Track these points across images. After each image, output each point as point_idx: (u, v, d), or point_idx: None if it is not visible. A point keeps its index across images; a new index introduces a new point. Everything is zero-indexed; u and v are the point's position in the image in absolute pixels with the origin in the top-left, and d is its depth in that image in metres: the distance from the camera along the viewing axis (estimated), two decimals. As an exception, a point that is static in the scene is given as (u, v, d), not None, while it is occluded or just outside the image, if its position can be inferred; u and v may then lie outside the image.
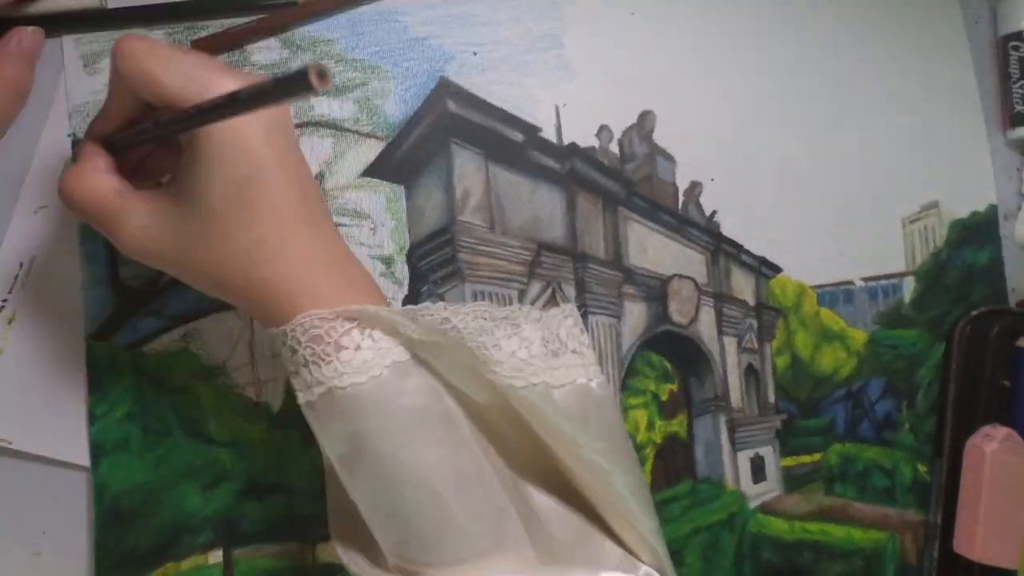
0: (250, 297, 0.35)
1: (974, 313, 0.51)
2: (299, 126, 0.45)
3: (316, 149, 0.45)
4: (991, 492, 0.47)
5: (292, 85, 0.24)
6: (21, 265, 0.42)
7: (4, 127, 0.41)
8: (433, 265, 0.46)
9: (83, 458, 0.42)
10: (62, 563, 0.42)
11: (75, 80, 0.43)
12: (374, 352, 0.33)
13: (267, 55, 0.45)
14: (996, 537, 0.47)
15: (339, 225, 0.45)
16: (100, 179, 0.35)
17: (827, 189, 0.52)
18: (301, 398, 0.34)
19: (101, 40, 0.43)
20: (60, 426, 0.42)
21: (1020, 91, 0.52)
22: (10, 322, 0.42)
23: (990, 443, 0.48)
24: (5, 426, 0.42)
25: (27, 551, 0.42)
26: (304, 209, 0.35)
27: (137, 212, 0.35)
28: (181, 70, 0.33)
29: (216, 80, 0.33)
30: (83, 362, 0.42)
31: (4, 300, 0.42)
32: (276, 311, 0.34)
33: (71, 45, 0.43)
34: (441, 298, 0.46)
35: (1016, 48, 0.52)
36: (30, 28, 0.41)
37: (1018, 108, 0.53)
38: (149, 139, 0.36)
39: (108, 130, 0.37)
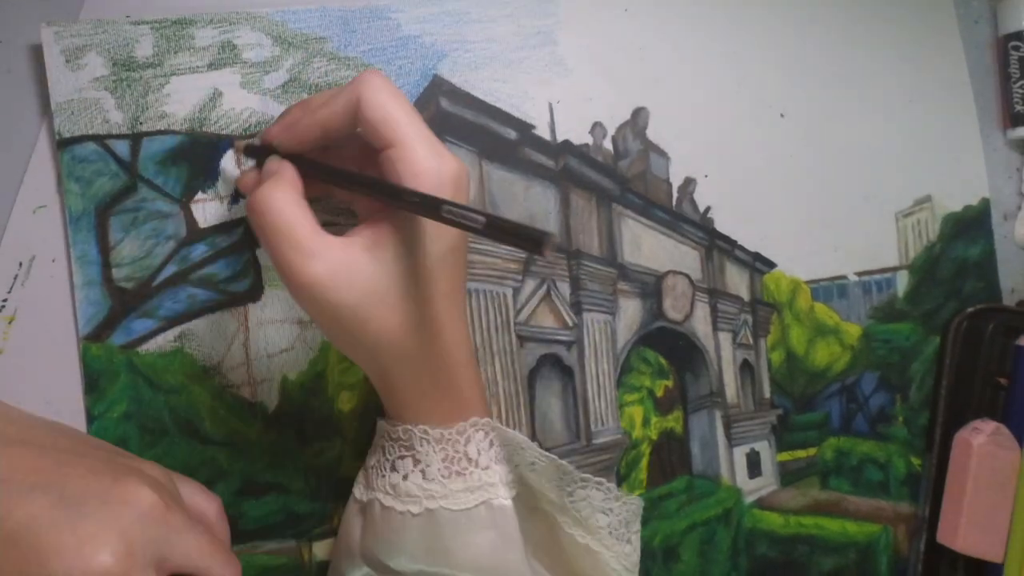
0: (421, 371, 0.35)
1: (970, 310, 0.52)
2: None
3: (309, 148, 0.45)
4: (976, 484, 0.48)
5: (525, 238, 0.27)
6: (20, 265, 0.42)
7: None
8: (428, 263, 0.46)
9: None
10: None
11: (57, 76, 0.41)
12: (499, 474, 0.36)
13: (258, 52, 0.44)
14: (980, 529, 0.48)
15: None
16: (298, 208, 0.33)
17: (821, 184, 0.52)
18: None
19: (84, 34, 0.42)
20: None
21: (1020, 91, 0.53)
22: (10, 322, 0.41)
23: (978, 436, 0.48)
24: None
25: None
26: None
27: (330, 256, 0.33)
28: (427, 137, 0.33)
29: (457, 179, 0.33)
30: (79, 370, 0.42)
31: (4, 300, 0.41)
32: (445, 403, 0.35)
33: (50, 37, 0.41)
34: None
35: (1016, 48, 0.52)
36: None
37: (1018, 108, 0.53)
38: (348, 185, 0.35)
39: (302, 147, 0.36)
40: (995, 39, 0.54)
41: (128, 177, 0.42)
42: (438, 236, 0.34)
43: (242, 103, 0.44)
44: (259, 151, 0.40)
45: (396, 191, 0.33)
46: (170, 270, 0.43)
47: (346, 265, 0.33)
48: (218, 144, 0.43)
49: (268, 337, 0.44)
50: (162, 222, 0.43)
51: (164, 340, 0.43)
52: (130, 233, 0.42)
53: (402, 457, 0.36)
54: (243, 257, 0.44)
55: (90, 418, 0.41)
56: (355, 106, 0.34)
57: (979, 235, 0.54)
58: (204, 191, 0.43)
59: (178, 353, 0.43)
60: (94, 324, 0.42)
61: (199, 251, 0.43)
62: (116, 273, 0.42)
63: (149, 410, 0.42)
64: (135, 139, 0.42)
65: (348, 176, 0.35)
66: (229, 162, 0.43)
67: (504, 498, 0.35)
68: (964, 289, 0.53)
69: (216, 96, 0.43)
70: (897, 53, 0.53)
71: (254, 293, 0.44)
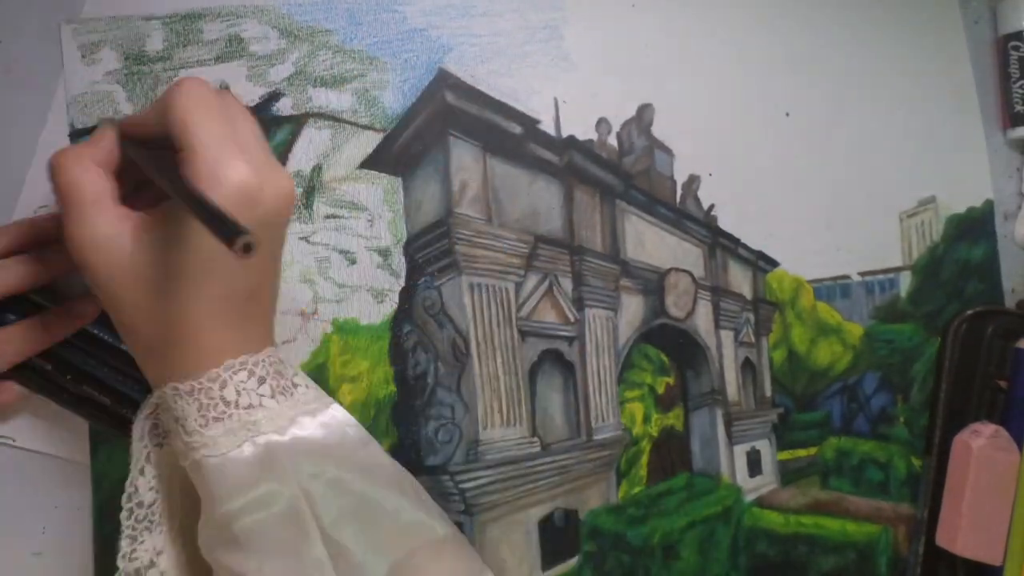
0: (163, 343, 0.35)
1: (970, 312, 0.52)
2: (298, 116, 0.44)
3: (314, 141, 0.45)
4: (975, 487, 0.47)
5: (220, 228, 0.27)
6: None
7: None
8: (430, 257, 0.46)
9: (84, 456, 0.42)
10: (63, 562, 0.42)
11: (73, 70, 0.43)
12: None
13: (264, 45, 0.44)
14: (979, 532, 0.48)
15: (336, 217, 0.45)
16: (95, 173, 0.35)
17: (825, 184, 0.52)
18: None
19: (99, 30, 0.43)
20: (62, 424, 0.42)
21: (1020, 91, 0.52)
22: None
23: (977, 439, 0.48)
24: (9, 424, 0.41)
25: (28, 550, 0.42)
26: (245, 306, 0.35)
27: (99, 223, 0.34)
28: (218, 144, 0.33)
29: (229, 170, 0.32)
30: None
31: None
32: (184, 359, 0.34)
33: (69, 35, 0.43)
34: (438, 290, 0.46)
35: (1016, 48, 0.52)
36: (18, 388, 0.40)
37: (1018, 108, 0.53)
38: (149, 173, 0.35)
39: (129, 133, 0.36)
40: (995, 39, 0.54)
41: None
42: (222, 193, 0.32)
43: (248, 95, 0.44)
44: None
45: (159, 173, 0.33)
46: (173, 260, 0.43)
47: (110, 237, 0.34)
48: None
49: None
50: (166, 212, 0.43)
51: (166, 330, 0.43)
52: (134, 222, 0.42)
53: (168, 422, 0.36)
54: (246, 248, 0.44)
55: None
56: (164, 111, 0.34)
57: (982, 237, 0.54)
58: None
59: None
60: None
61: (202, 241, 0.43)
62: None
63: (150, 399, 0.42)
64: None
65: (144, 158, 0.35)
66: None
67: (272, 433, 0.34)
68: (967, 290, 0.53)
69: (223, 88, 0.43)
70: (902, 54, 0.53)
71: (257, 284, 0.44)
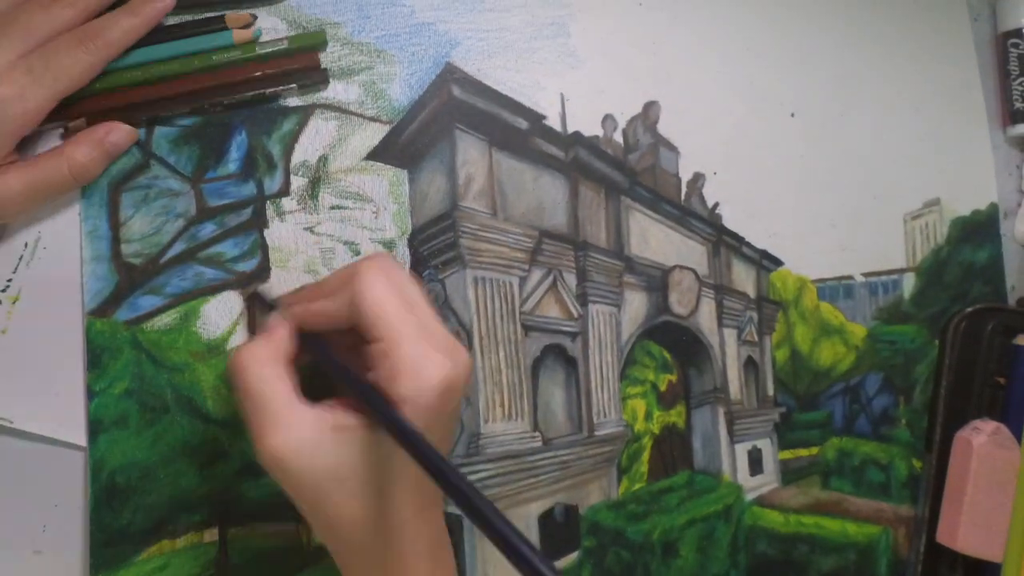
0: (371, 564, 0.35)
1: (969, 309, 0.52)
2: (305, 107, 0.44)
3: (320, 132, 0.45)
4: (976, 484, 0.47)
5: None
6: (26, 245, 0.42)
7: (46, 199, 0.40)
8: (435, 250, 0.46)
9: (81, 439, 0.42)
10: (63, 561, 0.42)
11: None
12: None
13: (271, 37, 0.44)
14: (979, 529, 0.48)
15: (341, 208, 0.45)
16: (279, 373, 0.34)
17: (830, 184, 0.52)
18: None
19: None
20: (61, 406, 0.42)
21: (1019, 88, 0.53)
22: (14, 301, 0.41)
23: (978, 436, 0.48)
24: (6, 405, 0.41)
25: (28, 549, 0.42)
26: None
27: (297, 429, 0.33)
28: (417, 335, 0.33)
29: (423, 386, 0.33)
30: (83, 348, 0.42)
31: (8, 280, 0.41)
32: None
33: None
34: (442, 283, 0.46)
35: (1015, 45, 0.52)
36: (127, 127, 0.41)
37: (1017, 105, 0.53)
38: (336, 379, 0.35)
39: (309, 324, 0.36)
40: (994, 36, 0.54)
41: (141, 155, 0.42)
42: (424, 387, 0.33)
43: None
44: (262, 304, 0.41)
45: (366, 398, 0.33)
46: (178, 248, 0.43)
47: (312, 443, 0.33)
48: (230, 125, 0.43)
49: (273, 318, 0.44)
50: (172, 200, 0.43)
51: (169, 317, 0.43)
52: (140, 210, 0.42)
53: None
54: (251, 237, 0.44)
55: (91, 394, 0.41)
56: (354, 302, 0.34)
57: (987, 239, 0.54)
58: (215, 171, 0.43)
59: (183, 331, 0.43)
60: (100, 299, 0.42)
61: (208, 230, 0.43)
62: (125, 249, 0.42)
63: (151, 387, 0.42)
64: (150, 117, 0.42)
65: (334, 365, 0.35)
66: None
67: None
68: (971, 293, 0.53)
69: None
70: (909, 55, 0.54)
71: (261, 273, 0.44)
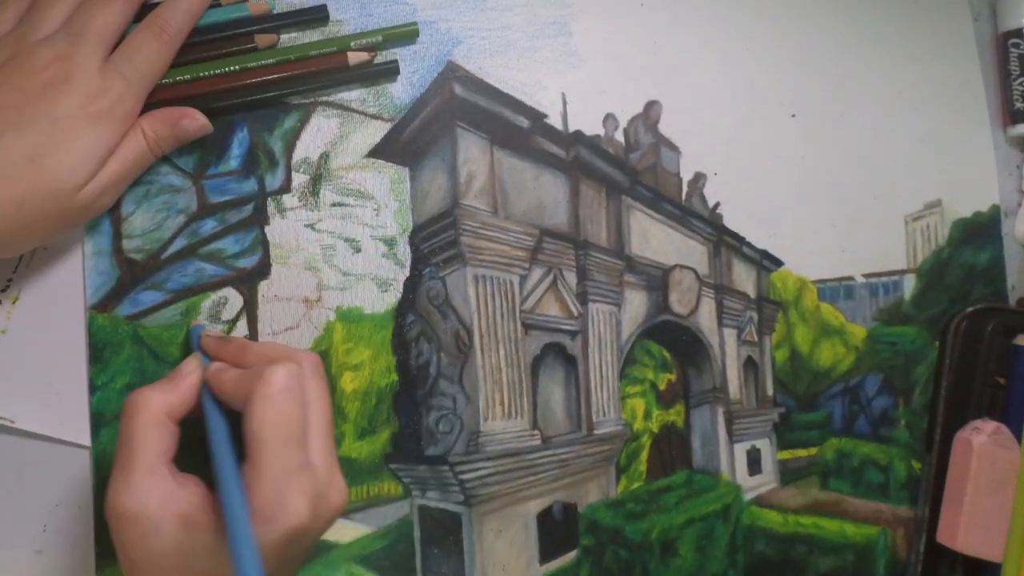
0: None
1: (970, 309, 0.52)
2: (307, 104, 0.45)
3: (322, 129, 0.45)
4: (976, 484, 0.47)
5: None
6: None
7: (134, 176, 0.41)
8: (435, 248, 0.46)
9: (84, 438, 0.42)
10: (64, 560, 0.42)
11: None
12: None
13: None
14: (980, 529, 0.48)
15: (342, 205, 0.45)
16: (160, 433, 0.35)
17: (830, 185, 0.52)
18: None
19: None
20: (62, 405, 0.42)
21: (1020, 88, 0.53)
22: (14, 302, 0.41)
23: (978, 436, 0.48)
24: (7, 404, 0.41)
25: (28, 548, 0.42)
26: None
27: (145, 500, 0.33)
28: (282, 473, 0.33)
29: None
30: (85, 341, 0.42)
31: (9, 280, 0.41)
32: None
33: None
34: (443, 281, 0.46)
35: (1016, 45, 0.52)
36: (203, 119, 0.41)
37: (1018, 105, 0.53)
38: (213, 453, 0.34)
39: (214, 390, 0.36)
40: (995, 36, 0.54)
41: (143, 150, 0.42)
42: (272, 530, 0.32)
43: (257, 81, 0.44)
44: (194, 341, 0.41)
45: (226, 507, 0.32)
46: (179, 243, 0.43)
47: (152, 520, 0.33)
48: (232, 122, 0.43)
49: (274, 314, 0.44)
50: (174, 196, 0.43)
51: (171, 313, 0.43)
52: (142, 205, 0.43)
53: None
54: (252, 234, 0.44)
55: (92, 388, 0.41)
56: (247, 400, 0.34)
57: (988, 242, 0.54)
58: (216, 167, 0.44)
59: (184, 327, 0.43)
60: (102, 294, 0.42)
61: (209, 226, 0.43)
62: (126, 244, 0.42)
63: (153, 382, 0.42)
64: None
65: (217, 449, 0.34)
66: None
67: None
68: (971, 295, 0.53)
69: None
70: (910, 56, 0.54)
71: (262, 270, 0.44)
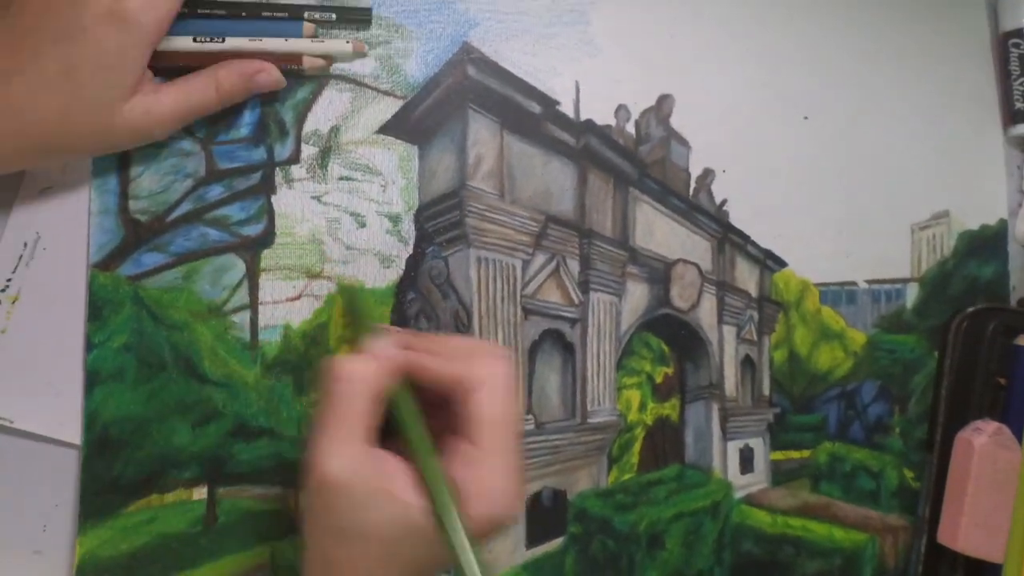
0: None
1: (970, 310, 0.52)
2: (320, 77, 0.45)
3: (334, 102, 0.45)
4: (977, 485, 0.47)
5: None
6: (26, 245, 0.41)
7: (193, 118, 0.40)
8: (440, 227, 0.46)
9: (79, 438, 0.42)
10: (64, 560, 0.42)
11: None
12: None
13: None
14: (980, 529, 0.48)
15: (350, 179, 0.45)
16: (366, 402, 0.34)
17: (839, 188, 0.52)
18: None
19: None
20: (60, 405, 0.41)
21: (1020, 88, 0.52)
22: (14, 301, 0.41)
23: (979, 436, 0.48)
24: (6, 405, 0.41)
25: (28, 549, 0.42)
26: None
27: (349, 471, 0.33)
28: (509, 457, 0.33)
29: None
30: (85, 341, 0.42)
31: (8, 279, 0.41)
32: None
33: None
34: (445, 261, 0.46)
35: (1016, 45, 0.52)
36: (278, 73, 0.41)
37: (1018, 105, 0.53)
38: (407, 440, 0.34)
39: (412, 374, 0.35)
40: (995, 36, 0.54)
41: (154, 112, 0.42)
42: (488, 516, 0.33)
43: (272, 51, 0.44)
44: (352, 310, 0.41)
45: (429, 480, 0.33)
46: (185, 207, 0.43)
47: (365, 493, 0.32)
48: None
49: (275, 284, 0.44)
50: (183, 159, 0.43)
51: (172, 276, 0.43)
52: (150, 167, 0.43)
53: None
54: (258, 202, 0.44)
55: (89, 346, 0.42)
56: (468, 397, 0.34)
57: (994, 256, 0.54)
58: (226, 134, 0.44)
59: (184, 290, 0.43)
60: (105, 252, 0.42)
61: (215, 192, 0.43)
62: (132, 205, 0.42)
63: (150, 344, 0.42)
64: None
65: (414, 433, 0.34)
66: None
67: None
68: (973, 307, 0.53)
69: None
70: (926, 67, 0.53)
71: (266, 238, 0.44)
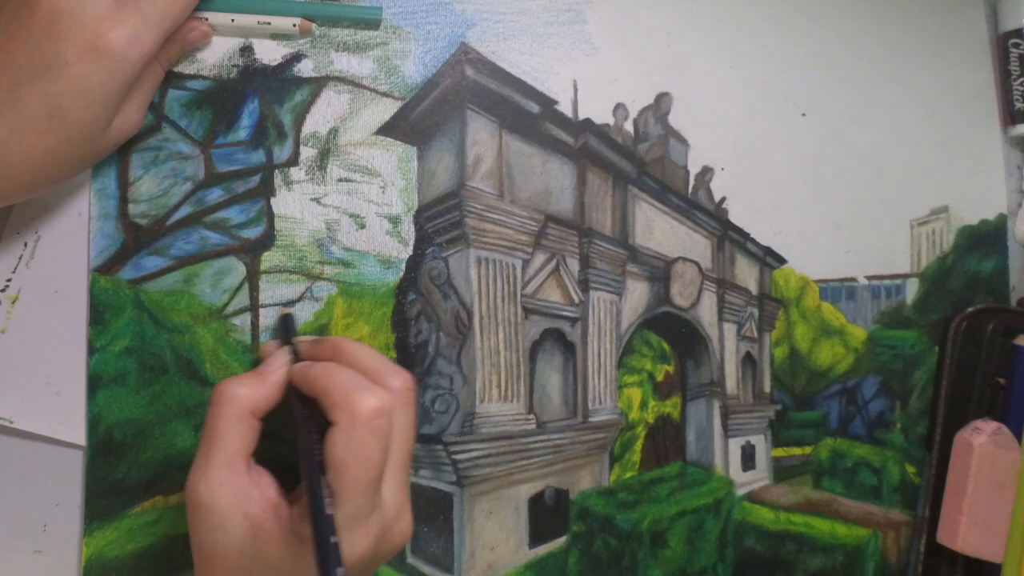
0: None
1: (970, 310, 0.52)
2: (319, 79, 0.45)
3: (332, 104, 0.45)
4: (977, 484, 0.47)
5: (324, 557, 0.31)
6: (25, 245, 0.41)
7: (147, 103, 0.40)
8: (439, 228, 0.46)
9: (83, 438, 0.42)
10: (64, 560, 0.42)
11: None
12: None
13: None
14: (980, 529, 0.48)
15: (349, 181, 0.45)
16: (245, 427, 0.35)
17: (838, 186, 0.52)
18: None
19: None
20: (61, 405, 0.41)
21: (1020, 88, 0.52)
22: (14, 301, 0.41)
23: (978, 436, 0.48)
24: (6, 405, 0.41)
25: (28, 548, 0.42)
26: None
27: (219, 493, 0.34)
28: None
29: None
30: (85, 341, 0.42)
31: (8, 280, 0.41)
32: None
33: None
34: (445, 261, 0.46)
35: (1016, 45, 0.52)
36: (206, 25, 0.41)
37: (1018, 105, 0.53)
38: (298, 444, 0.35)
39: (306, 388, 0.36)
40: (995, 36, 0.54)
41: (153, 116, 0.42)
42: None
43: (270, 55, 0.44)
44: (285, 330, 0.42)
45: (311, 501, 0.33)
46: (185, 211, 0.43)
47: (222, 516, 0.34)
48: (243, 93, 0.44)
49: (276, 286, 0.44)
50: (182, 163, 0.43)
51: (173, 279, 0.43)
52: (150, 171, 0.43)
53: None
54: (258, 205, 0.44)
55: (91, 350, 0.42)
56: (330, 415, 0.34)
57: (994, 250, 0.54)
58: (225, 137, 0.44)
59: (185, 293, 0.43)
60: (105, 257, 0.42)
61: (215, 195, 0.44)
62: (132, 209, 0.42)
63: (151, 347, 0.42)
64: (164, 80, 0.42)
65: (303, 450, 0.35)
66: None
67: None
68: (974, 302, 0.53)
69: (247, 47, 0.44)
70: (924, 63, 0.53)
71: (266, 241, 0.44)
